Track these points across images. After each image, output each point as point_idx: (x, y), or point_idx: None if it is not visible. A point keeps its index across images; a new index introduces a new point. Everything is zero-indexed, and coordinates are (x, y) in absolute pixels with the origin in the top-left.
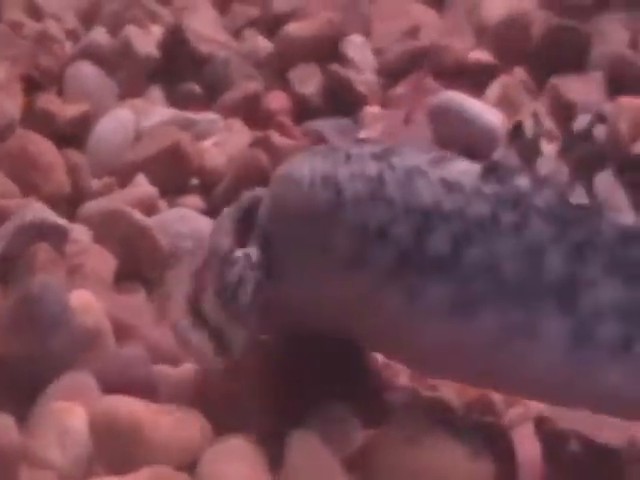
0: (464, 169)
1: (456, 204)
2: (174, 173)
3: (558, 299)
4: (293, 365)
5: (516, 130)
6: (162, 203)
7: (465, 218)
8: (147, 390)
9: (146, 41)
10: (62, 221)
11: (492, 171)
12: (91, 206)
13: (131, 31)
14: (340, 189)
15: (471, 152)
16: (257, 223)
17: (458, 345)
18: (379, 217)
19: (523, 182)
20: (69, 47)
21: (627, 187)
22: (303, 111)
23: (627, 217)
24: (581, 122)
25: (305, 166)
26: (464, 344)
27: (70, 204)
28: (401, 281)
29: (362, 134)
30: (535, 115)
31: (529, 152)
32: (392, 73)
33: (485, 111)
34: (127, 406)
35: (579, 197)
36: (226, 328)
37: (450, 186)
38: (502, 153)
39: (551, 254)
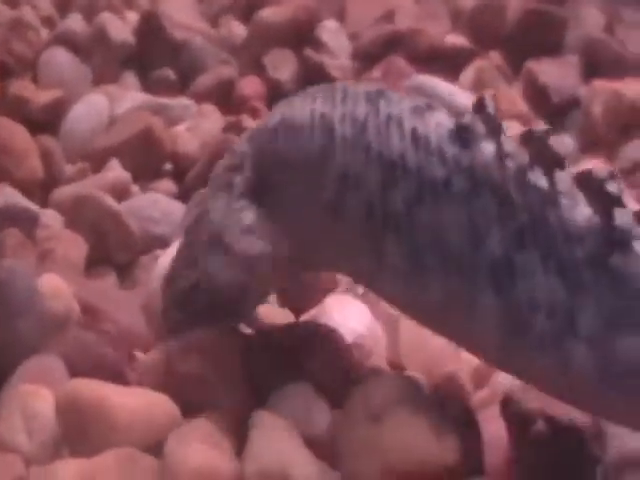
0: (438, 122)
1: (418, 161)
2: (147, 158)
3: (493, 278)
4: (260, 346)
5: (479, 104)
6: (135, 188)
7: (422, 178)
8: (115, 373)
9: (121, 28)
10: (33, 206)
11: (461, 131)
12: (63, 191)
13: (106, 18)
14: (333, 130)
15: None
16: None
17: (412, 303)
18: (357, 165)
19: (487, 151)
20: (45, 34)
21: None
22: (277, 96)
23: (581, 212)
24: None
25: (306, 110)
26: (417, 304)
27: (43, 190)
28: (369, 236)
29: None
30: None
31: (492, 126)
32: (366, 57)
33: (458, 94)
34: (92, 388)
35: (538, 180)
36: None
37: (418, 141)
38: (471, 119)
39: (493, 233)
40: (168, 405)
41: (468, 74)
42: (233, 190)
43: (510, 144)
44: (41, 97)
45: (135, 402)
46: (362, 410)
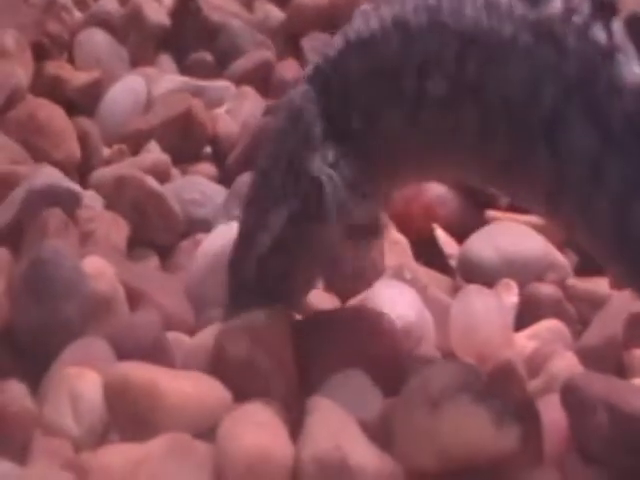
0: None
1: (489, 25)
2: (186, 140)
3: (545, 131)
4: (309, 331)
5: None
6: (174, 171)
7: (492, 40)
8: (161, 357)
9: (157, 9)
10: (75, 186)
11: None
12: (103, 173)
13: None
14: (407, 24)
15: None
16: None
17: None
18: (435, 47)
19: (554, 6)
20: (78, 15)
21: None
22: None
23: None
24: None
25: (374, 21)
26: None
27: (80, 172)
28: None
29: None
30: None
31: None
32: None
33: None
34: (143, 372)
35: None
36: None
37: (490, 6)
38: None
39: (548, 86)
40: (219, 389)
41: None
42: (313, 141)
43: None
44: (78, 78)
45: (186, 386)
46: (420, 396)
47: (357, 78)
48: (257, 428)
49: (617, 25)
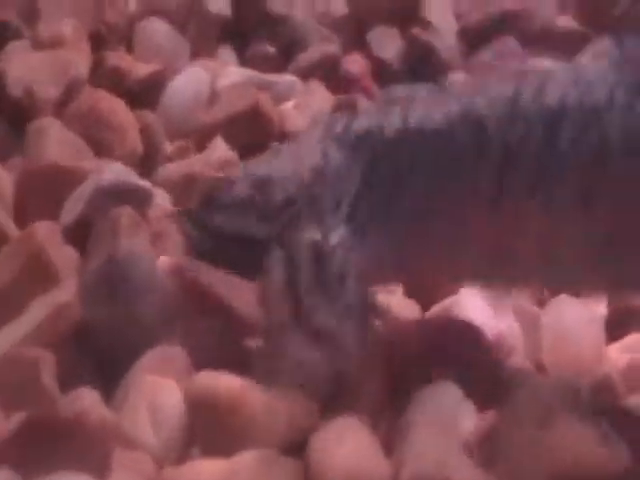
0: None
1: (579, 94)
2: (253, 136)
3: None
4: (396, 341)
5: None
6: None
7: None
8: (239, 365)
9: None
10: (146, 183)
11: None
12: (169, 169)
13: None
14: (481, 119)
15: None
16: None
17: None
18: (517, 135)
19: None
20: (133, 4)
21: None
22: (384, 75)
23: None
24: None
25: (438, 115)
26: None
27: (142, 167)
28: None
29: None
30: None
31: None
32: (474, 38)
33: None
34: (227, 382)
35: None
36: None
37: (577, 80)
38: None
39: None
40: (307, 402)
41: (585, 59)
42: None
43: None
44: (140, 69)
45: (273, 398)
46: (528, 413)
47: (413, 166)
48: (350, 444)
49: None
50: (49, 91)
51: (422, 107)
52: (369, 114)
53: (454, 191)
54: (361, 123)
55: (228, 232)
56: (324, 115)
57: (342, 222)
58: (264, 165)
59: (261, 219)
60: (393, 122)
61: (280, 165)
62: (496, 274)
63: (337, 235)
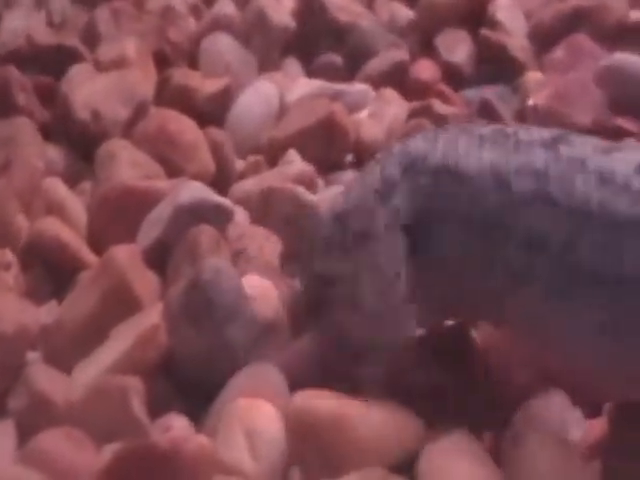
0: (625, 158)
1: (602, 199)
2: (329, 148)
3: None
4: (500, 350)
5: None
6: (319, 181)
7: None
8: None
9: (280, 10)
10: (226, 201)
11: None
12: (244, 186)
13: (264, 1)
14: (509, 184)
15: None
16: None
17: None
18: (542, 222)
19: None
20: (193, 22)
21: None
22: (453, 79)
23: None
24: None
25: (472, 158)
26: None
27: (215, 185)
28: (563, 296)
29: (530, 101)
30: None
31: None
32: (546, 36)
33: None
34: (329, 402)
35: None
36: None
37: (603, 180)
38: None
39: None
40: (412, 418)
41: None
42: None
43: None
44: (208, 86)
45: (376, 416)
46: None
47: (446, 207)
48: (463, 460)
49: None
50: (116, 113)
51: (465, 143)
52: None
53: (479, 243)
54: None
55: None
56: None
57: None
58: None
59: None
60: (433, 154)
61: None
62: None
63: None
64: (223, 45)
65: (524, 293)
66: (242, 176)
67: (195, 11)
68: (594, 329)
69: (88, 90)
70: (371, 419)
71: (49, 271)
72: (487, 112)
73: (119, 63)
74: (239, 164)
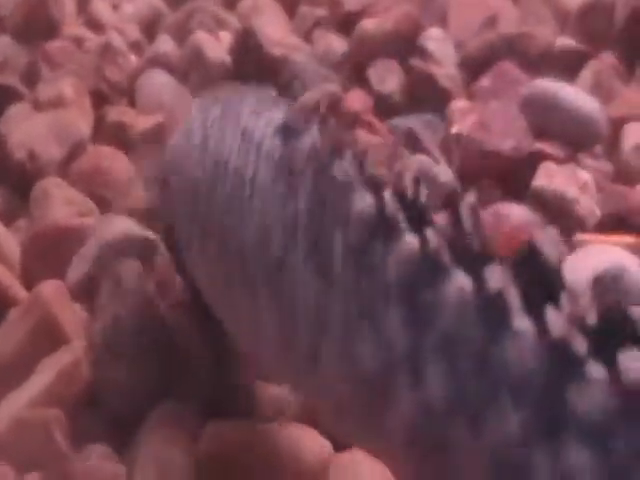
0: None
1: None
2: None
3: None
4: None
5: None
6: None
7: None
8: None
9: (217, 47)
10: (150, 234)
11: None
12: None
13: (201, 38)
14: None
15: (572, 141)
16: None
17: None
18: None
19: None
20: (133, 59)
21: None
22: (383, 109)
23: None
24: None
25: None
26: None
27: (148, 219)
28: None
29: (454, 129)
30: None
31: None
32: (474, 65)
33: (582, 98)
34: (239, 431)
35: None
36: None
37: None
38: None
39: None
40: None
41: (585, 77)
42: None
43: None
44: (141, 123)
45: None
46: None
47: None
48: None
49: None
50: (52, 152)
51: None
52: None
53: None
54: None
55: None
56: None
57: None
58: None
59: None
60: None
61: None
62: None
63: None
64: (158, 82)
65: None
66: None
67: (136, 47)
68: None
69: (25, 130)
70: (275, 443)
71: None
72: (411, 140)
73: (56, 103)
74: None
